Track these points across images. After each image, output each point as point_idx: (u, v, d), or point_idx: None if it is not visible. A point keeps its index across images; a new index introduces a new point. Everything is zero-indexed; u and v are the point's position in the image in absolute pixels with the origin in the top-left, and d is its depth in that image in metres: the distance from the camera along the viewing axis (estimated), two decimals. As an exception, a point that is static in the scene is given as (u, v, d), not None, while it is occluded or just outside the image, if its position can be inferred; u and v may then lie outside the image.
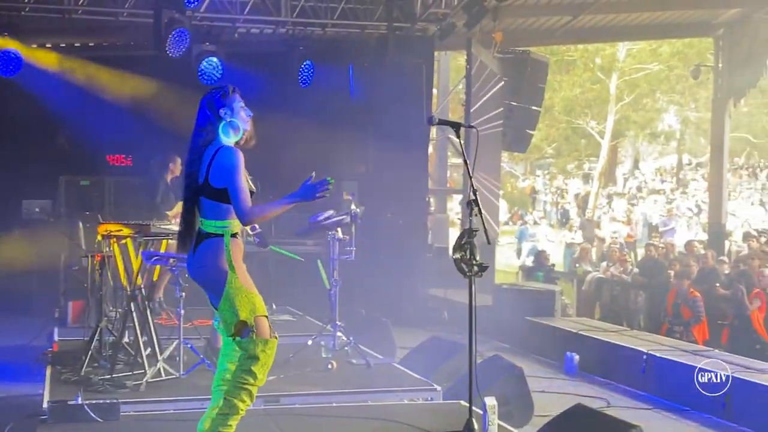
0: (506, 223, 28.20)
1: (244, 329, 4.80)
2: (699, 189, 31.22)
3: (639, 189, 34.91)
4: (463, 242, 5.60)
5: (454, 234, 17.07)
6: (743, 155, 37.01)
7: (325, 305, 9.12)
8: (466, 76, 14.23)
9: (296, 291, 11.64)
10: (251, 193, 4.88)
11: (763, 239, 17.21)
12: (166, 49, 11.48)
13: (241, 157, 4.86)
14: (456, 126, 5.91)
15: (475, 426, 5.64)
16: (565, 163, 39.12)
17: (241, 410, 4.88)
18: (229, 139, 4.96)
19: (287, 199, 4.85)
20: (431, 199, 17.02)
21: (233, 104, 5.02)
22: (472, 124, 6.46)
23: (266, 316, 4.87)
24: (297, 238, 11.28)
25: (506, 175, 33.69)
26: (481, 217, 5.61)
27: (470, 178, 5.71)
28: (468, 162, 5.90)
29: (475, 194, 5.60)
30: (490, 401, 5.86)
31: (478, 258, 5.58)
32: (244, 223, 4.88)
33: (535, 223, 22.58)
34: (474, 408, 5.76)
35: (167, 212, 9.91)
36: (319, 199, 4.85)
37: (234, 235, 4.90)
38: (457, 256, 5.62)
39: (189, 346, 7.69)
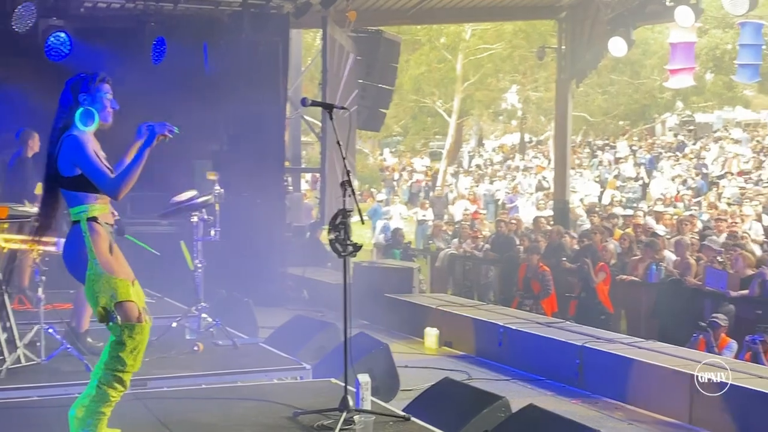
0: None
1: (106, 316, 4.74)
2: (541, 166, 32.28)
3: (484, 166, 35.82)
4: (337, 222, 5.65)
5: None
6: (580, 134, 38.47)
7: (182, 286, 9.03)
8: (322, 55, 14.25)
9: (153, 273, 11.41)
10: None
11: (603, 214, 18.02)
12: (12, 24, 11.03)
13: (86, 140, 4.76)
14: (329, 107, 5.96)
15: (350, 402, 5.72)
16: (413, 142, 39.71)
17: (113, 397, 4.82)
18: (84, 128, 4.84)
19: (140, 150, 4.79)
20: (289, 178, 17.02)
21: (97, 93, 4.91)
22: (345, 106, 6.49)
23: (132, 301, 4.80)
24: (153, 220, 11.06)
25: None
26: (355, 197, 5.69)
27: (343, 159, 5.78)
28: (341, 144, 5.94)
29: (348, 175, 5.66)
30: (363, 378, 5.96)
31: (352, 238, 5.66)
32: (116, 196, 4.75)
33: (387, 201, 22.87)
34: (342, 383, 5.84)
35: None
36: (162, 142, 4.82)
37: (94, 219, 4.81)
38: (332, 236, 5.68)
39: (50, 330, 7.47)
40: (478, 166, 35.40)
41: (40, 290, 7.30)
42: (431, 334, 10.37)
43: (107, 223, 4.92)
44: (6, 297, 7.54)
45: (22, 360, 7.13)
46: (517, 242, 14.65)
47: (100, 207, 4.84)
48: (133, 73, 12.43)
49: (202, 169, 12.77)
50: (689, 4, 14.28)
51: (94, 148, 4.82)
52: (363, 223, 5.82)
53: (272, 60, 13.91)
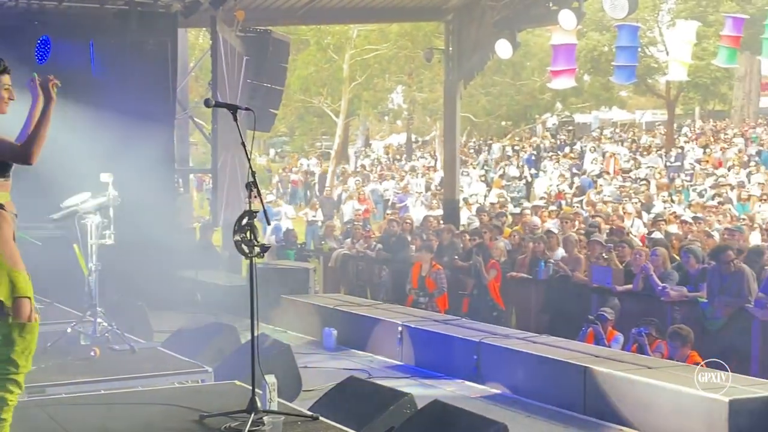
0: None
1: (1, 310, 4.61)
2: (428, 166, 32.63)
3: (371, 166, 35.98)
4: (243, 223, 5.64)
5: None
6: (465, 134, 39.05)
7: (72, 291, 8.83)
8: (212, 54, 14.12)
9: (41, 277, 11.10)
10: None
11: (491, 213, 18.34)
12: None
13: None
14: (233, 108, 5.93)
15: (258, 403, 5.71)
16: (300, 142, 39.62)
17: (10, 401, 4.70)
18: None
19: (43, 109, 4.74)
20: (179, 180, 16.77)
21: None
22: (249, 107, 6.48)
23: (28, 297, 4.69)
24: (43, 224, 10.76)
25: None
26: (261, 198, 5.68)
27: (249, 160, 5.76)
28: (246, 145, 5.91)
29: (254, 176, 5.65)
30: (271, 379, 5.95)
31: (259, 239, 5.66)
32: (29, 160, 4.65)
33: (275, 202, 22.75)
34: (246, 385, 5.82)
35: None
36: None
37: (1, 207, 4.69)
38: (238, 237, 5.66)
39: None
40: (363, 166, 35.53)
41: None
42: (329, 334, 10.41)
43: (12, 213, 4.80)
44: None
45: None
46: (409, 241, 14.78)
47: (3, 195, 4.72)
48: (17, 73, 12.10)
49: (92, 171, 12.48)
50: (572, 8, 14.72)
51: None
52: (269, 224, 5.82)
53: (161, 60, 13.70)
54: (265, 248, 5.65)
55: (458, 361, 9.03)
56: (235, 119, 5.85)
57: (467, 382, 8.84)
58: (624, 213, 17.22)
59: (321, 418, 5.86)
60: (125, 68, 13.30)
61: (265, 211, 5.70)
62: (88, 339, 8.28)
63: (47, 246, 10.17)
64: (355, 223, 17.16)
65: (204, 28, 21.23)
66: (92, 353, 7.88)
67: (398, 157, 39.11)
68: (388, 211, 22.21)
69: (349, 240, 16.09)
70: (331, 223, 18.51)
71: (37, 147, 4.65)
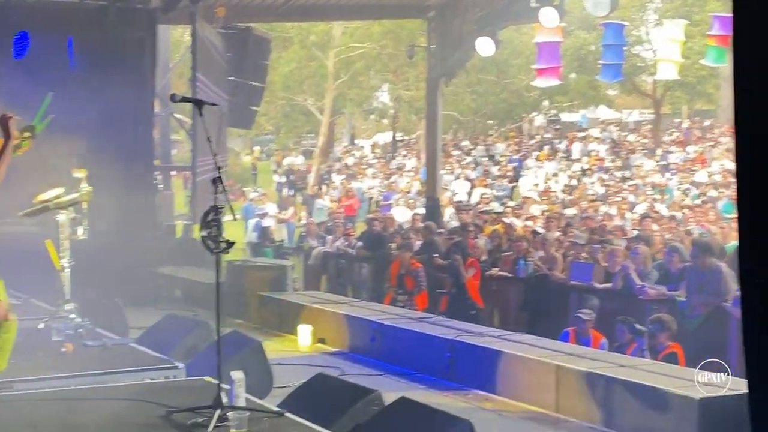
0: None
1: None
2: (413, 165, 32.64)
3: (356, 165, 35.96)
4: (209, 219, 5.61)
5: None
6: (450, 132, 39.06)
7: (50, 287, 8.77)
8: (191, 51, 14.08)
9: (18, 273, 11.05)
10: None
11: (471, 212, 18.36)
12: None
13: None
14: (199, 103, 5.92)
15: (224, 399, 5.69)
16: (285, 140, 39.55)
17: None
18: None
19: (2, 147, 4.72)
20: (158, 176, 16.73)
21: None
22: (215, 102, 6.46)
23: (1, 299, 4.68)
24: (16, 219, 10.71)
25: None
26: (226, 194, 5.66)
27: (214, 156, 5.76)
28: (211, 140, 5.90)
29: (219, 171, 5.64)
30: (237, 375, 5.93)
31: (224, 235, 5.63)
32: None
33: (259, 199, 22.72)
34: (216, 381, 5.81)
35: None
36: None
37: None
38: (204, 233, 5.64)
39: None
40: (346, 165, 35.49)
41: None
42: (305, 331, 10.39)
43: None
44: None
45: None
46: (389, 239, 14.78)
47: None
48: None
49: (68, 167, 12.42)
50: (553, 5, 14.72)
51: None
52: (235, 220, 5.80)
53: (139, 55, 13.68)
54: (230, 244, 5.62)
55: (431, 359, 9.02)
56: (201, 114, 5.83)
57: (440, 380, 8.83)
58: (607, 213, 17.27)
59: (287, 414, 5.84)
60: (103, 63, 13.23)
61: (231, 207, 5.67)
62: (60, 335, 8.22)
63: (25, 242, 10.14)
64: (336, 220, 17.13)
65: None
66: (63, 349, 7.83)
67: (383, 155, 39.07)
68: (372, 209, 22.20)
69: (330, 237, 16.08)
70: (312, 220, 18.49)
71: None
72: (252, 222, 18.88)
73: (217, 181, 5.61)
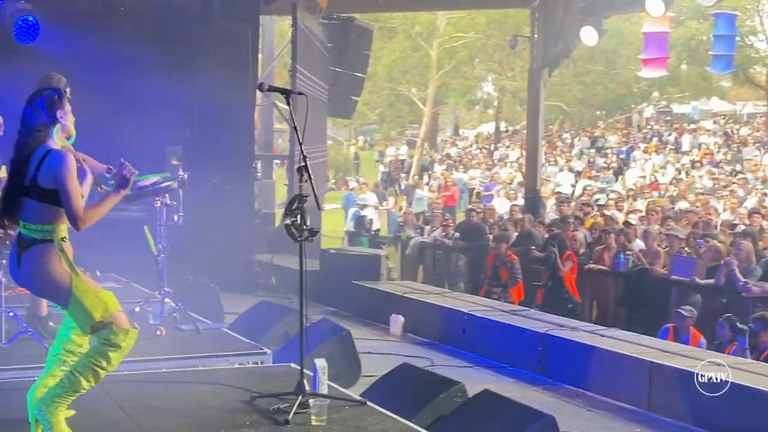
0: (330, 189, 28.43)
1: (101, 327, 4.74)
2: (516, 155, 32.32)
3: (459, 155, 35.83)
4: (293, 207, 5.65)
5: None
6: (556, 123, 38.58)
7: (151, 272, 8.97)
8: (291, 41, 14.21)
9: (121, 257, 11.38)
10: None
11: (573, 204, 18.07)
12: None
13: (73, 162, 4.74)
14: (286, 93, 5.95)
15: (306, 386, 5.74)
16: (388, 130, 39.69)
17: (84, 389, 4.82)
18: (58, 142, 4.83)
19: (111, 194, 4.81)
20: (258, 165, 16.96)
21: (66, 106, 4.89)
22: (302, 91, 6.49)
23: (121, 310, 4.82)
24: (120, 204, 10.99)
25: (329, 141, 33.88)
26: (311, 182, 5.68)
27: (300, 144, 5.79)
28: (297, 129, 5.94)
29: (305, 160, 5.67)
30: (320, 362, 5.97)
31: (308, 223, 5.66)
32: (78, 228, 4.72)
33: (360, 189, 22.84)
34: (305, 370, 5.87)
35: None
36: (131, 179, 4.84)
37: (63, 239, 4.79)
38: (288, 221, 5.68)
39: (11, 314, 7.43)
40: (448, 155, 35.37)
41: (0, 274, 7.26)
42: (396, 320, 10.40)
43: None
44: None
45: (-16, 343, 7.11)
46: (487, 231, 14.67)
47: (66, 226, 4.81)
48: (104, 58, 12.37)
49: (171, 155, 12.71)
50: (659, -6, 14.35)
51: (74, 169, 4.78)
52: (320, 209, 5.83)
53: (242, 46, 13.86)
54: (314, 232, 5.66)
55: (522, 352, 8.91)
56: (288, 103, 5.87)
57: (530, 374, 8.73)
58: (713, 207, 16.79)
59: (369, 403, 5.85)
60: (207, 54, 13.46)
61: (315, 196, 5.70)
62: (155, 319, 8.42)
63: (126, 228, 10.40)
64: (434, 211, 17.09)
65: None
66: (158, 332, 8.01)
67: (486, 146, 38.80)
68: (472, 200, 22.08)
69: (427, 228, 16.05)
70: (409, 210, 18.50)
71: (89, 223, 4.72)
72: (351, 211, 19.03)
73: (302, 170, 5.65)
